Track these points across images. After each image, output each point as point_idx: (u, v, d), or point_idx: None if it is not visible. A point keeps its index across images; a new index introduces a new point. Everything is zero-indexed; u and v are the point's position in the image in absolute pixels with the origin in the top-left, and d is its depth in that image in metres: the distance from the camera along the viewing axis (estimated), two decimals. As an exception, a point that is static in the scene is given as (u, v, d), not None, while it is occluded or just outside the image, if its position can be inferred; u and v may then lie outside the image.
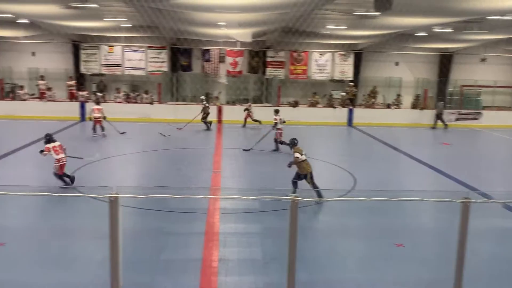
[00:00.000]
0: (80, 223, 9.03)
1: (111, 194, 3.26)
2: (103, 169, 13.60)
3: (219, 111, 24.33)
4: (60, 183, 11.06)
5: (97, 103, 19.77)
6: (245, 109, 22.64)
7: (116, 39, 25.72)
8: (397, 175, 14.15)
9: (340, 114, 25.03)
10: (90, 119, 19.15)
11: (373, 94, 27.15)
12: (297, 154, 10.32)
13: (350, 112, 25.11)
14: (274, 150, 16.44)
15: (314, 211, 9.87)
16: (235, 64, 26.98)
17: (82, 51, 26.34)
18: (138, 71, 26.67)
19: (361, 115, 25.03)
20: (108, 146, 16.91)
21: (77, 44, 26.24)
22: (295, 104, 25.37)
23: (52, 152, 11.03)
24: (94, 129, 18.68)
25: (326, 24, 19.98)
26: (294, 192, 10.07)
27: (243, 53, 26.99)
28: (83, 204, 9.70)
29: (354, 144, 20.68)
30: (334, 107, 25.36)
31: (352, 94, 26.52)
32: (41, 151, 11.24)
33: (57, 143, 11.21)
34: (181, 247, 7.94)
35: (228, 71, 27.07)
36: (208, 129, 21.29)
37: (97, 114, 18.79)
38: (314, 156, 16.29)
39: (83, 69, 26.53)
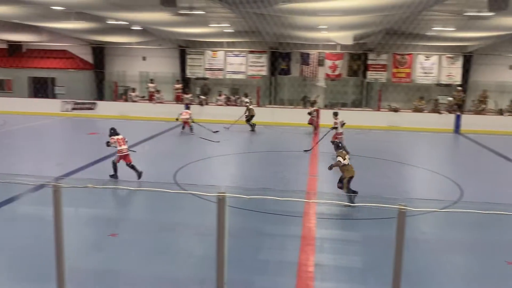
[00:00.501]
0: (183, 219, 9.52)
1: (219, 193, 3.40)
2: (203, 169, 14.17)
3: (317, 115, 24.22)
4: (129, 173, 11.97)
5: (187, 107, 22.00)
6: (309, 113, 21.80)
7: (219, 45, 26.72)
8: (510, 187, 13.10)
9: (446, 120, 23.74)
10: (177, 120, 20.70)
11: (483, 99, 25.40)
12: (339, 158, 10.40)
13: (458, 119, 23.70)
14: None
15: (419, 222, 9.46)
16: (334, 67, 26.74)
17: (188, 56, 27.68)
18: (238, 75, 27.45)
19: (470, 121, 23.52)
20: (206, 147, 17.54)
21: (184, 50, 27.64)
22: (395, 110, 24.55)
23: (116, 143, 12.19)
24: (183, 127, 20.73)
25: (433, 25, 19.09)
26: (352, 198, 9.98)
27: (343, 56, 26.66)
28: (185, 201, 10.21)
29: (462, 153, 19.49)
30: (440, 113, 24.13)
31: (460, 99, 25.03)
32: (107, 143, 12.31)
33: (120, 136, 12.35)
34: (278, 249, 8.03)
35: (327, 75, 26.89)
36: (253, 130, 21.35)
37: (184, 116, 20.61)
38: (417, 164, 15.64)
39: (188, 73, 27.87)
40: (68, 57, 28.74)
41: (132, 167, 12.14)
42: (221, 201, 3.39)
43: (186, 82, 28.05)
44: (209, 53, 27.40)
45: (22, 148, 16.97)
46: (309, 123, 21.76)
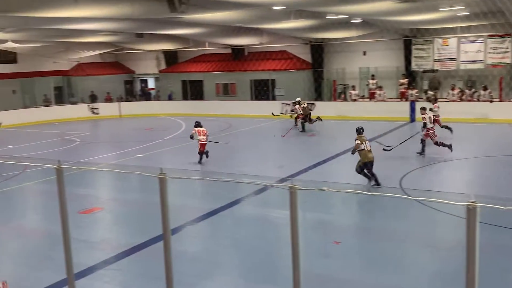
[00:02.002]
0: (410, 228, 9.41)
1: (469, 202, 3.25)
2: (433, 174, 13.62)
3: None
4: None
5: (294, 104, 23.39)
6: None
7: (451, 31, 25.27)
8: None
9: None
10: (291, 117, 22.87)
11: None
12: (357, 141, 11.97)
13: None
14: (420, 153, 15.57)
15: None
16: None
17: (414, 47, 26.87)
18: (475, 65, 25.50)
19: None
20: (436, 151, 16.77)
21: (408, 40, 26.96)
22: None
23: (196, 134, 16.07)
24: (297, 124, 22.61)
25: None
26: (370, 180, 12.01)
27: None
28: (412, 209, 10.07)
29: None
30: None
31: None
32: (191, 136, 16.29)
33: (201, 128, 16.14)
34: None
35: None
36: (303, 130, 22.12)
37: (300, 112, 22.54)
38: None
39: (414, 65, 27.05)
40: (287, 58, 30.81)
41: (203, 154, 15.83)
42: (471, 211, 3.23)
43: (411, 76, 27.30)
44: (438, 41, 26.13)
45: (244, 150, 18.84)
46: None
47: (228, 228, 9.96)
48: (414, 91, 25.42)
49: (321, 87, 29.81)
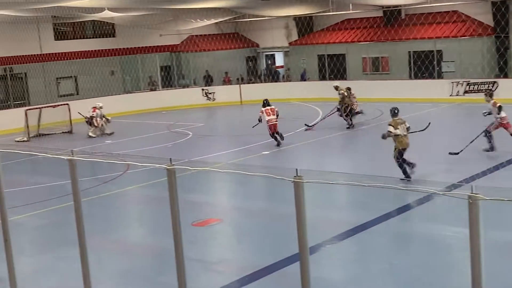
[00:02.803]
0: None
1: None
2: None
3: None
4: None
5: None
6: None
7: None
8: None
9: None
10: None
11: None
12: (390, 128, 13.33)
13: None
14: (488, 150, 15.77)
15: None
16: None
17: None
18: None
19: None
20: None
21: None
22: None
23: (264, 114, 18.56)
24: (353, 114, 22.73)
25: None
26: (404, 173, 13.31)
27: None
28: None
29: None
30: None
31: None
32: (259, 120, 18.98)
33: (269, 107, 18.67)
34: None
35: None
36: (350, 126, 21.69)
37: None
38: None
39: None
40: (459, 21, 29.48)
41: (277, 135, 18.47)
42: None
43: None
44: None
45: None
46: None
47: (381, 250, 9.87)
48: None
49: (507, 60, 28.27)
